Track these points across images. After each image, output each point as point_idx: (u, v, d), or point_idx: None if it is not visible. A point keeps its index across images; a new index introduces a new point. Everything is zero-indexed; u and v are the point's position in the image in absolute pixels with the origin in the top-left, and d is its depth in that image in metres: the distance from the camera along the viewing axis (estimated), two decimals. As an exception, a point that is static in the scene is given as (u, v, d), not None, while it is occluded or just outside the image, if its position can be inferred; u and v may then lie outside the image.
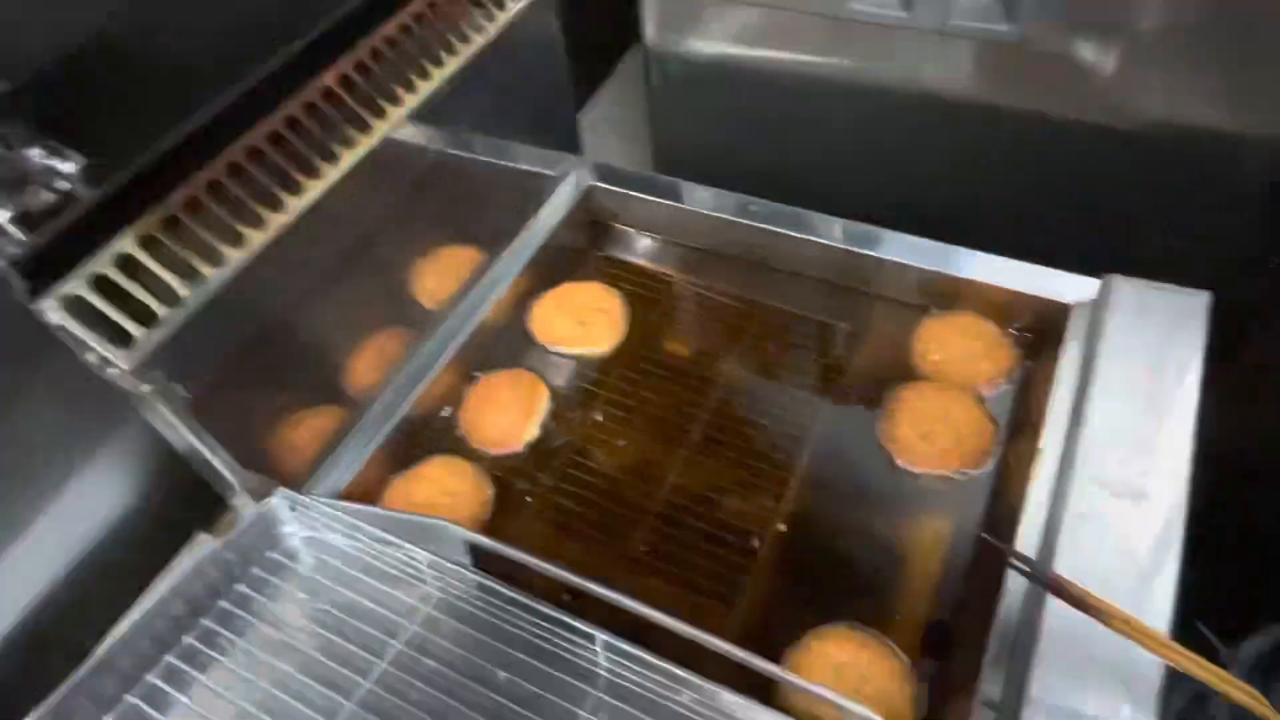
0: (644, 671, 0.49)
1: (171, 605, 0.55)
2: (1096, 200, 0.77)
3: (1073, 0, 0.65)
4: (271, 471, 0.63)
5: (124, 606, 0.72)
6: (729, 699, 0.48)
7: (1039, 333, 0.73)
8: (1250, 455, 0.89)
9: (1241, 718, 0.44)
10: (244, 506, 0.64)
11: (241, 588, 0.57)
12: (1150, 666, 0.48)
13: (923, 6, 0.69)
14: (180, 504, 0.75)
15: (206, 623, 0.56)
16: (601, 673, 0.50)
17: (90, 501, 0.70)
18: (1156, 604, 0.51)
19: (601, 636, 0.48)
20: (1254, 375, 0.83)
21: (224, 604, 0.56)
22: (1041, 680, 0.49)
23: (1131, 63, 0.67)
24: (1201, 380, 0.62)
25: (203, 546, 0.72)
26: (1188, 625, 0.70)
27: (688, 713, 0.49)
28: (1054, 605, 0.51)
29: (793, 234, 0.83)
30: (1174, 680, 0.50)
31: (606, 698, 0.50)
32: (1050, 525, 0.56)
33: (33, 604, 0.67)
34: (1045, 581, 0.50)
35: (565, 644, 0.51)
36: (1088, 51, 0.68)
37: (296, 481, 0.65)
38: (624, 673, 0.50)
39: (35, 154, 0.51)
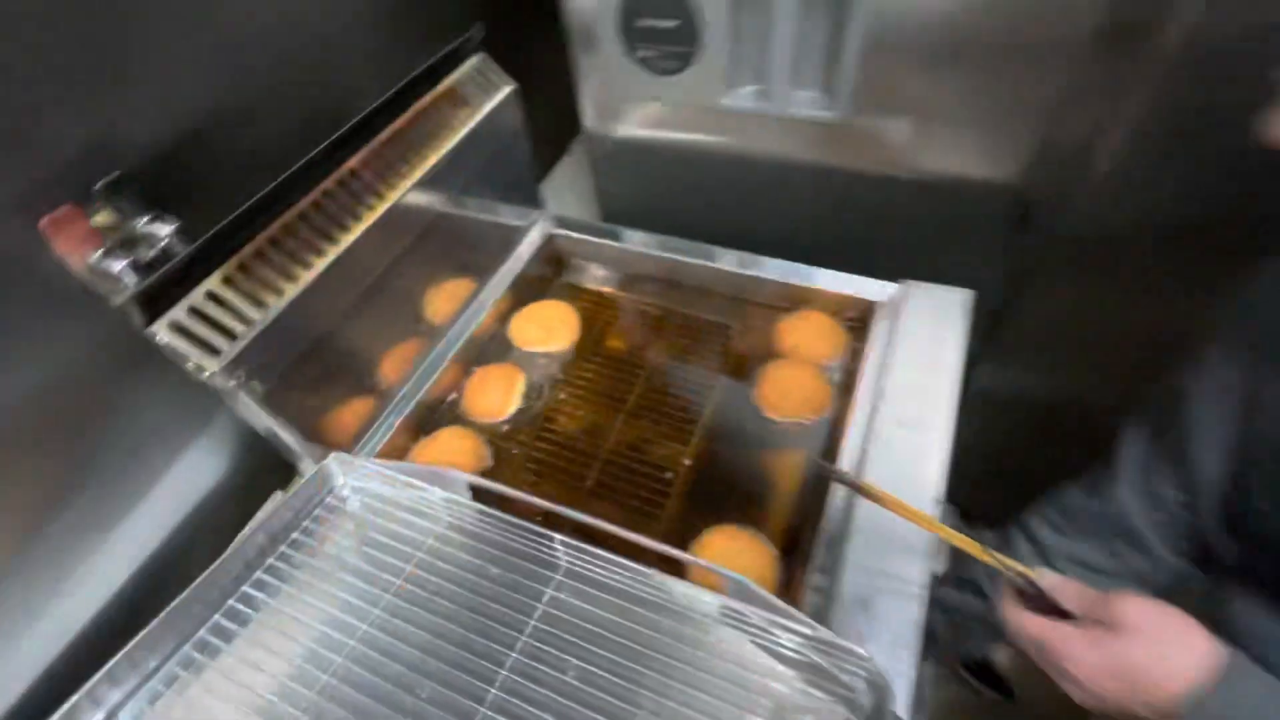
0: (589, 559, 0.50)
1: (257, 538, 0.54)
2: (898, 229, 0.77)
3: (869, 94, 0.65)
4: (326, 443, 0.62)
5: (223, 547, 0.70)
6: (652, 575, 0.49)
7: (860, 322, 0.74)
8: (1002, 396, 0.94)
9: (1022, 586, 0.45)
10: (307, 469, 0.63)
11: (307, 523, 0.57)
12: (923, 538, 0.52)
13: (773, 100, 0.68)
14: (263, 471, 0.72)
15: (283, 549, 0.55)
16: (561, 563, 0.51)
17: (197, 471, 0.68)
18: (928, 496, 0.54)
19: (559, 537, 0.49)
20: (1007, 346, 0.87)
21: (296, 535, 0.56)
22: (853, 551, 0.52)
23: (916, 133, 0.68)
24: (964, 351, 0.65)
25: (278, 499, 0.72)
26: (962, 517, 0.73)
27: (622, 586, 0.50)
28: (862, 503, 0.55)
29: (697, 262, 0.82)
30: (939, 545, 0.54)
31: (565, 580, 0.51)
32: (863, 450, 0.59)
33: (158, 546, 0.65)
34: (850, 483, 0.52)
35: (536, 546, 0.52)
36: (885, 126, 0.68)
37: (344, 449, 0.64)
38: (576, 562, 0.51)
39: (142, 220, 0.52)
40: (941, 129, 0.67)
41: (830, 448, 0.64)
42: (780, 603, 0.44)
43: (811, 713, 0.44)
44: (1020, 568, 0.43)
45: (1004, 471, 0.94)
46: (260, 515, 0.71)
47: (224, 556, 0.52)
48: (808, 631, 0.43)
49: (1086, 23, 0.55)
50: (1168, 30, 0.55)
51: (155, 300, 0.46)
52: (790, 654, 0.45)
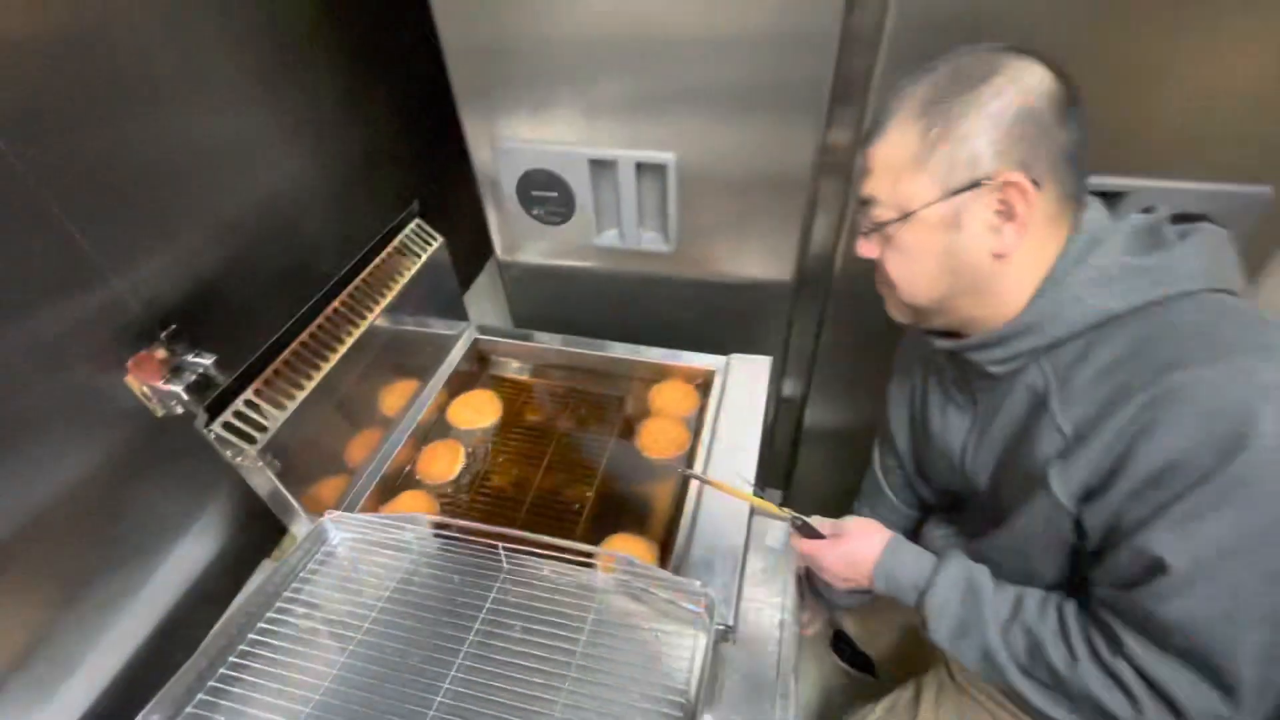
0: (523, 561, 0.71)
1: (265, 587, 0.71)
2: (722, 317, 1.05)
3: (688, 231, 0.95)
4: (315, 509, 0.79)
5: (221, 609, 0.83)
6: (570, 568, 0.71)
7: (704, 384, 0.99)
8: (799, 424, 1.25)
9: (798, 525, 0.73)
10: (301, 529, 0.79)
11: (306, 570, 0.74)
12: (739, 523, 0.78)
13: (627, 240, 0.97)
14: (248, 547, 0.89)
15: (294, 584, 0.72)
16: (504, 566, 0.72)
17: (195, 548, 0.82)
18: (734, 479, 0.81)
19: (501, 545, 0.71)
20: (821, 385, 1.19)
21: (297, 582, 0.73)
22: (698, 535, 0.77)
23: (722, 253, 0.97)
24: (765, 396, 0.94)
25: (276, 563, 0.87)
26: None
27: (549, 580, 0.71)
28: (703, 506, 0.80)
29: (591, 352, 1.05)
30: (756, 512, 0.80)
31: (508, 577, 0.72)
32: (706, 465, 0.85)
33: (165, 611, 0.79)
34: (701, 479, 0.79)
35: (484, 556, 0.73)
36: (703, 251, 0.97)
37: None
38: (513, 564, 0.72)
39: (190, 356, 0.73)
40: (738, 249, 0.99)
41: (688, 465, 0.90)
42: (652, 567, 0.69)
43: (676, 631, 0.68)
44: (792, 513, 0.72)
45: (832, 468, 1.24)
46: (257, 577, 0.88)
47: (234, 607, 0.69)
48: (668, 577, 0.68)
49: (809, 161, 0.89)
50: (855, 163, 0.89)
51: (213, 407, 0.67)
52: (661, 601, 0.70)
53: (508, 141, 0.94)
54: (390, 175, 1.16)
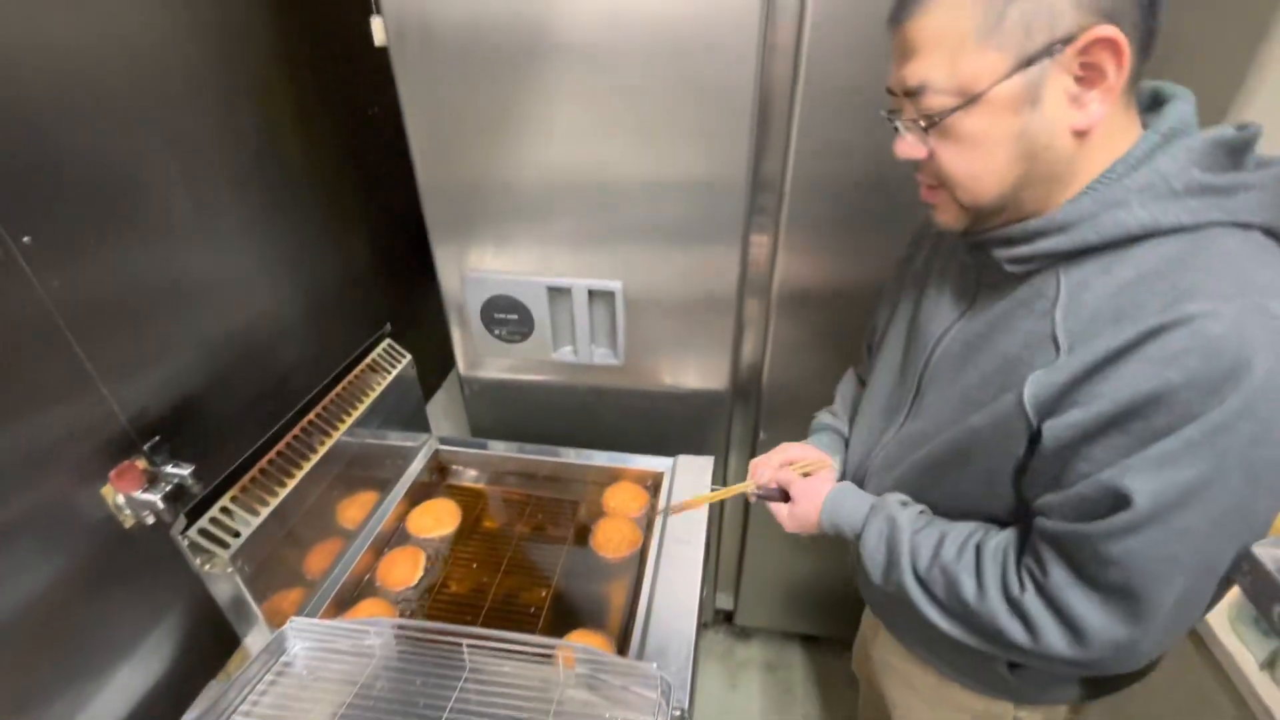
0: (485, 660, 0.74)
1: (220, 704, 0.71)
2: (670, 423, 1.15)
3: (635, 348, 1.08)
4: (272, 618, 0.80)
5: None
6: (532, 665, 0.74)
7: (655, 485, 1.08)
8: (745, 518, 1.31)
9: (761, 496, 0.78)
10: (257, 640, 0.80)
11: (267, 675, 0.75)
12: (693, 613, 0.85)
13: (580, 355, 1.09)
14: (196, 666, 0.87)
15: (251, 696, 0.72)
16: (466, 662, 0.75)
17: (145, 666, 0.81)
18: (696, 569, 0.88)
19: (464, 641, 0.74)
20: None
21: (260, 685, 0.73)
22: (653, 625, 0.82)
23: (666, 366, 1.10)
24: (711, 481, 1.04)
25: (224, 683, 0.85)
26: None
27: (511, 677, 0.73)
28: (657, 598, 0.86)
29: (545, 459, 1.13)
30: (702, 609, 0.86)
31: (469, 675, 0.74)
32: (658, 556, 0.91)
33: None
34: (677, 509, 0.86)
35: (445, 657, 0.75)
36: (649, 364, 1.09)
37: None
38: (476, 659, 0.75)
39: (168, 466, 0.77)
40: (679, 362, 1.11)
41: (640, 564, 0.96)
42: (608, 654, 0.74)
43: (635, 718, 0.72)
44: (756, 487, 0.80)
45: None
46: (202, 700, 0.84)
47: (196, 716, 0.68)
48: (623, 663, 0.73)
49: (734, 284, 1.04)
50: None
51: (190, 515, 0.71)
52: (619, 689, 0.74)
53: (474, 271, 1.07)
54: (364, 299, 1.26)
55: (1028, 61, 0.45)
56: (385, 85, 0.92)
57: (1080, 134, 0.47)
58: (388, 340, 1.06)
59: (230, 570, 0.73)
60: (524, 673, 0.75)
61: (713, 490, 0.86)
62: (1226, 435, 0.42)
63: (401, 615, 0.92)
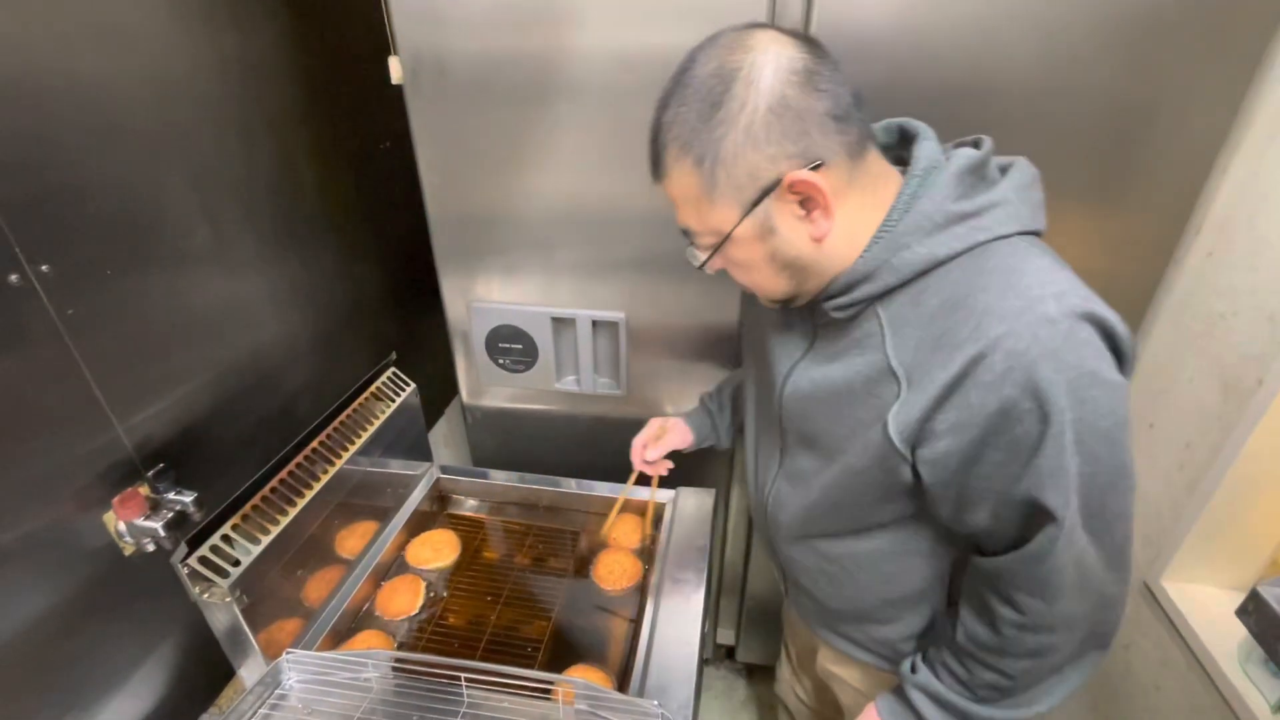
0: (485, 692, 0.73)
1: (230, 715, 0.71)
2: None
3: (637, 377, 1.09)
4: (268, 650, 0.78)
5: None
6: (530, 701, 0.73)
7: (657, 517, 1.07)
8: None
9: None
10: (253, 672, 0.79)
11: (263, 709, 0.74)
12: (692, 656, 0.84)
13: (584, 385, 1.10)
14: (189, 698, 0.87)
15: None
16: (464, 696, 0.74)
17: (137, 698, 0.81)
18: (696, 610, 0.87)
19: (463, 675, 0.73)
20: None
21: (255, 718, 0.72)
22: (654, 662, 0.82)
23: (668, 396, 1.12)
24: (711, 524, 1.03)
25: (219, 715, 0.85)
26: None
27: (510, 712, 0.72)
28: (657, 638, 0.86)
29: (546, 489, 1.13)
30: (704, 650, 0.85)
31: (467, 710, 0.73)
32: (659, 591, 0.91)
33: None
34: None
35: (443, 692, 0.74)
36: (650, 394, 1.11)
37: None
38: (475, 694, 0.74)
39: (171, 494, 0.78)
40: (682, 392, 1.12)
41: (641, 597, 0.95)
42: (609, 691, 0.73)
43: (633, 759, 0.70)
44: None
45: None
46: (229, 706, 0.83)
47: None
48: (624, 700, 0.72)
49: (734, 318, 1.06)
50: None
51: (192, 543, 0.71)
52: (618, 726, 0.72)
53: (480, 301, 1.08)
54: (370, 327, 1.27)
55: (750, 207, 0.54)
56: (397, 120, 0.94)
57: (820, 239, 0.56)
58: (392, 369, 1.07)
59: (229, 600, 0.72)
60: (523, 708, 0.74)
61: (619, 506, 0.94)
62: (1075, 424, 0.49)
63: (400, 647, 0.90)
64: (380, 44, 0.89)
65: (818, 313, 0.63)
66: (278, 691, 0.77)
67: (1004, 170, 0.56)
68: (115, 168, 0.73)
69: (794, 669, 1.03)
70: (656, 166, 0.57)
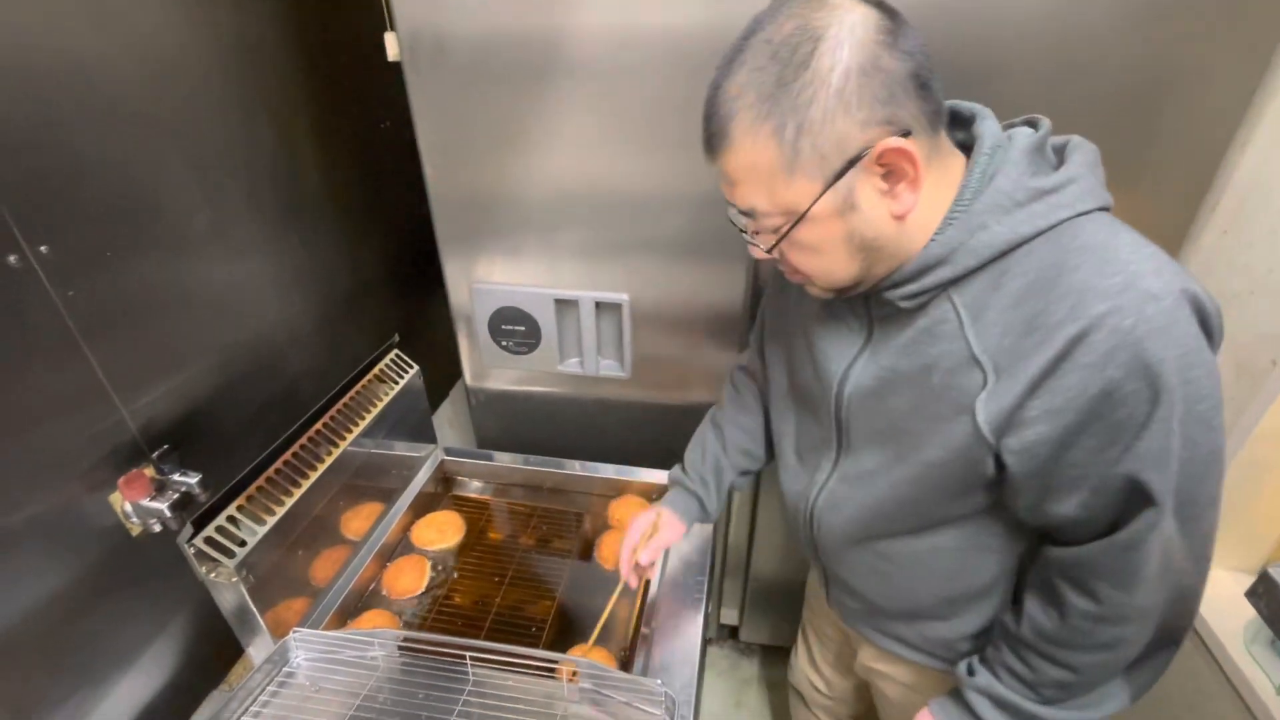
0: (489, 674, 0.74)
1: (223, 714, 0.70)
2: (675, 435, 1.11)
3: (642, 360, 1.09)
4: (275, 629, 0.80)
5: None
6: (535, 679, 0.73)
7: (659, 498, 1.01)
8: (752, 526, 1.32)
9: None
10: (260, 650, 0.80)
11: (270, 686, 0.74)
12: (696, 636, 0.85)
13: (587, 367, 1.09)
14: (199, 676, 0.88)
15: (253, 707, 0.71)
16: (470, 675, 0.74)
17: (148, 676, 0.81)
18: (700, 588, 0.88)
19: (468, 654, 0.74)
20: (749, 499, 1.29)
21: (263, 696, 0.73)
22: (657, 642, 0.83)
23: (674, 379, 1.11)
24: None
25: (227, 692, 0.86)
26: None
27: (514, 691, 0.73)
28: (660, 619, 0.86)
29: (550, 470, 1.14)
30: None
31: (472, 689, 0.74)
32: (663, 571, 0.92)
33: None
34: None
35: (449, 671, 0.74)
36: (654, 377, 1.10)
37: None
38: (480, 672, 0.74)
39: (176, 475, 0.78)
40: (686, 374, 1.11)
41: (645, 580, 0.94)
42: (612, 670, 0.73)
43: (636, 737, 0.71)
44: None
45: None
46: (206, 709, 0.85)
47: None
48: (627, 679, 0.72)
49: (740, 299, 1.05)
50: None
51: (197, 524, 0.71)
52: (623, 705, 0.73)
53: (482, 283, 1.07)
54: (373, 309, 1.27)
55: (834, 179, 0.50)
56: (398, 98, 0.93)
57: (902, 217, 0.52)
58: (395, 350, 1.07)
59: (235, 580, 0.73)
60: (528, 687, 0.74)
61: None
62: (1180, 404, 0.48)
63: (406, 626, 0.91)
64: (380, 21, 0.88)
65: (875, 303, 0.59)
66: (285, 669, 0.78)
67: (1057, 150, 0.54)
68: (113, 149, 0.72)
69: (812, 660, 1.03)
70: (718, 140, 0.51)
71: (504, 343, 1.11)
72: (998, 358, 0.52)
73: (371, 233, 1.26)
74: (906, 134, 0.49)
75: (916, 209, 0.52)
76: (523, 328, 1.08)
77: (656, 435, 1.18)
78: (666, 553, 0.96)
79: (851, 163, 0.49)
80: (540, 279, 1.06)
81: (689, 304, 1.04)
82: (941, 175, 0.53)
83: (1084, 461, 0.51)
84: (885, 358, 0.60)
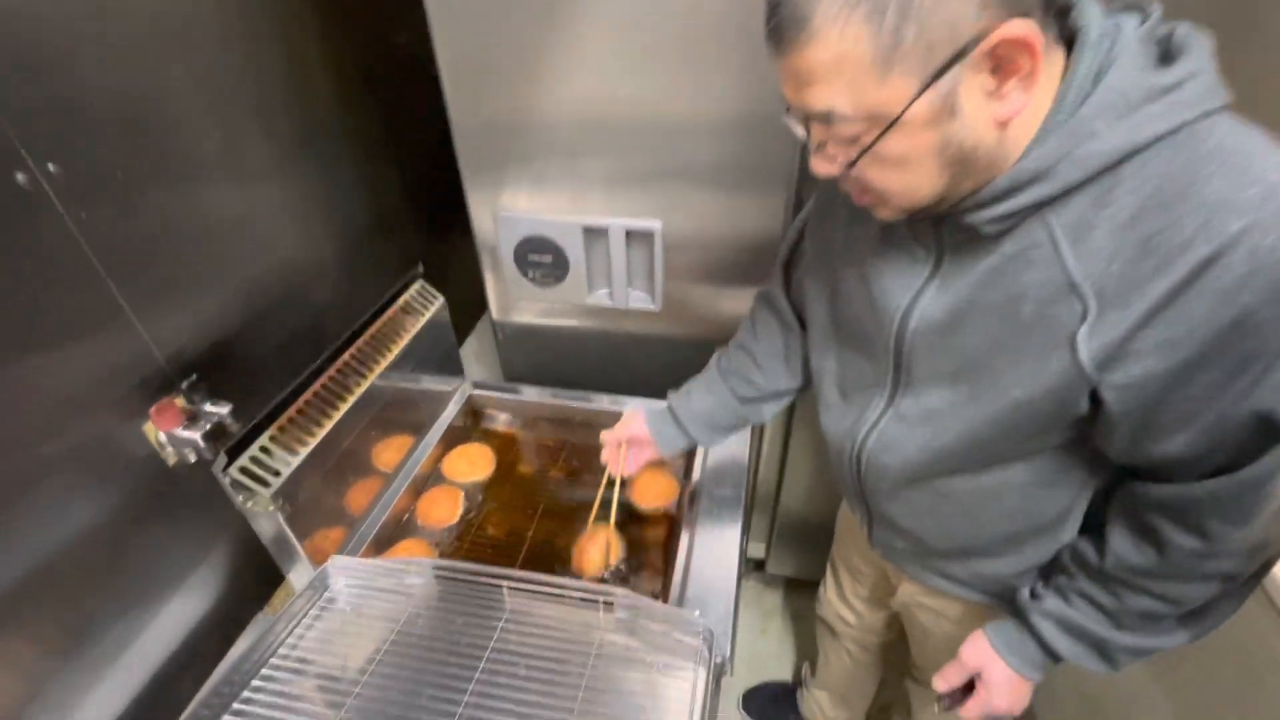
0: (525, 602, 0.74)
1: (267, 637, 0.72)
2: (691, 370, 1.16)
3: (673, 293, 1.05)
4: (314, 556, 0.81)
5: (210, 666, 0.82)
6: (570, 608, 0.73)
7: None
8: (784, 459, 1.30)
9: None
10: (301, 577, 0.81)
11: (312, 610, 0.75)
12: (733, 564, 0.84)
13: (617, 300, 1.04)
14: (243, 600, 0.88)
15: (297, 629, 0.73)
16: (506, 605, 0.75)
17: (193, 599, 0.82)
18: (736, 528, 0.87)
19: (504, 583, 0.74)
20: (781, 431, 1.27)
21: (305, 619, 0.74)
22: (694, 566, 0.82)
23: (704, 313, 1.07)
24: (748, 437, 1.01)
25: (271, 616, 0.88)
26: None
27: (550, 619, 0.73)
28: (696, 551, 0.85)
29: (578, 405, 1.12)
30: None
31: (509, 621, 0.74)
32: (698, 507, 0.91)
33: (156, 667, 0.78)
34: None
35: (485, 599, 0.75)
36: (685, 310, 1.06)
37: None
38: (516, 601, 0.74)
39: (207, 405, 0.76)
40: (719, 307, 1.06)
41: (678, 514, 0.94)
42: (650, 601, 0.72)
43: (674, 666, 0.71)
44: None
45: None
46: (251, 631, 0.87)
47: (245, 647, 0.69)
48: (666, 610, 0.71)
49: (779, 228, 0.99)
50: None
51: (231, 454, 0.70)
52: (659, 636, 0.72)
53: (507, 211, 1.02)
54: (395, 240, 1.22)
55: (935, 76, 0.42)
56: (415, 16, 0.86)
57: (1005, 123, 0.45)
58: (420, 281, 1.03)
59: (272, 509, 0.73)
60: (565, 616, 0.74)
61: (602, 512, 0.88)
62: None
63: (441, 555, 0.92)
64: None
65: (949, 228, 0.52)
66: (326, 595, 0.79)
67: (1162, 41, 0.46)
68: (115, 66, 0.67)
69: (842, 595, 1.02)
70: (792, 28, 0.43)
71: (530, 274, 1.06)
72: (1103, 285, 0.46)
73: (391, 159, 1.20)
74: (1028, 18, 0.41)
75: (1021, 116, 0.45)
76: (550, 258, 1.04)
77: (687, 372, 1.12)
78: (700, 484, 0.94)
79: (960, 55, 0.41)
80: (568, 206, 1.00)
81: (725, 234, 0.99)
82: (1046, 73, 0.45)
83: (1199, 397, 0.46)
84: (960, 288, 0.53)
